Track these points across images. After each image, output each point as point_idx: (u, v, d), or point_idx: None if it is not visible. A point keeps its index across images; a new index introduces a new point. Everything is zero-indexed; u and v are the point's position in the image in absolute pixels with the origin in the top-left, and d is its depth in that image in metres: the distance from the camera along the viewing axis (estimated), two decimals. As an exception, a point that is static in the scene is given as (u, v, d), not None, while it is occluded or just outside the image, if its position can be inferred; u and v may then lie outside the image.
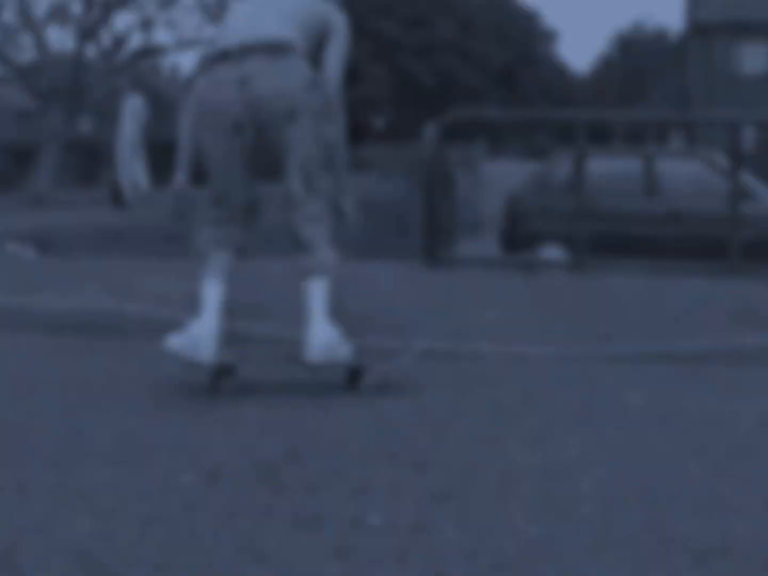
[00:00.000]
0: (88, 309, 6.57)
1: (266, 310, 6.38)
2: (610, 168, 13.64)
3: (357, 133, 57.63)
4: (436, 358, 5.35)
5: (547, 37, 75.62)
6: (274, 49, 4.54)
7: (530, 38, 67.41)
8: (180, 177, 4.95)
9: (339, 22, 4.86)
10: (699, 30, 47.43)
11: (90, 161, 33.92)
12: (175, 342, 4.48)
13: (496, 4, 65.77)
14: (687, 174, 13.47)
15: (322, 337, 4.45)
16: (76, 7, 43.61)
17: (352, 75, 60.41)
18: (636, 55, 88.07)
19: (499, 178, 27.70)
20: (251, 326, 5.86)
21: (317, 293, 4.52)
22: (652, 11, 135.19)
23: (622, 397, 4.65)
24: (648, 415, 4.34)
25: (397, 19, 59.13)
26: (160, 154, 24.13)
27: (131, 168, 17.30)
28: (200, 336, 4.47)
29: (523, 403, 4.51)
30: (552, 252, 12.72)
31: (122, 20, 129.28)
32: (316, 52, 4.79)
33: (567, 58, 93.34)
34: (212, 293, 4.58)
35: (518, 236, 13.18)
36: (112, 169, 18.39)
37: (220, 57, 4.56)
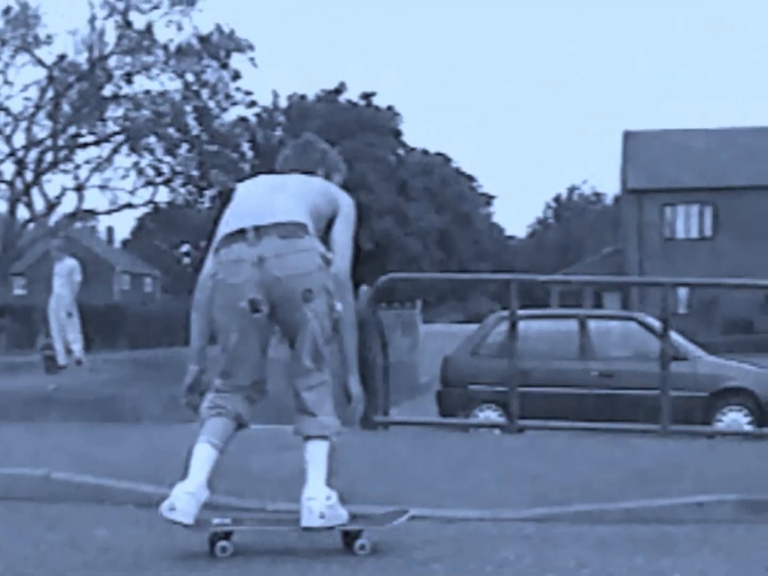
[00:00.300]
0: (14, 474, 6.52)
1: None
2: (545, 330, 13.88)
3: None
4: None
5: (484, 201, 77.20)
6: (289, 230, 4.72)
7: (467, 202, 68.73)
8: (192, 369, 5.02)
9: (345, 204, 5.10)
10: (633, 194, 48.75)
11: (23, 325, 33.83)
12: (164, 505, 4.55)
13: (434, 168, 67.21)
14: (621, 335, 13.73)
15: (320, 504, 4.60)
16: (8, 171, 44.07)
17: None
18: (571, 219, 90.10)
19: (438, 339, 27.91)
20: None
21: (317, 455, 4.70)
22: (588, 176, 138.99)
23: (552, 559, 4.71)
24: (579, 573, 4.40)
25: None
26: (93, 317, 24.14)
27: (64, 332, 17.25)
28: (179, 497, 4.53)
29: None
30: (488, 414, 12.83)
31: (55, 183, 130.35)
32: (325, 232, 5.00)
33: (503, 222, 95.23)
34: (200, 455, 4.67)
35: (454, 398, 13.27)
36: (46, 333, 18.31)
37: (236, 237, 4.72)
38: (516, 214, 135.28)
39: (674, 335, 13.15)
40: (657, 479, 6.66)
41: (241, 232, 4.72)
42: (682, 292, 46.11)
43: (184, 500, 4.53)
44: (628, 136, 51.48)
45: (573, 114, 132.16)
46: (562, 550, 4.91)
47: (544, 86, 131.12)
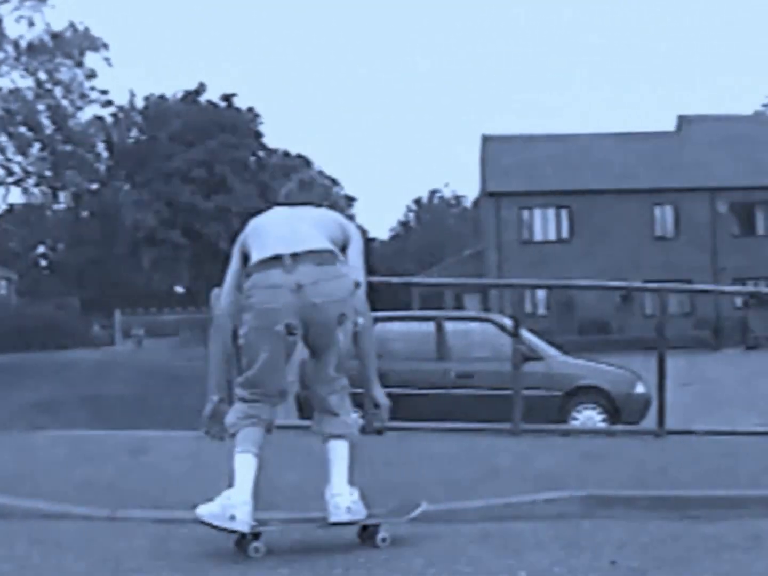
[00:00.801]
0: None
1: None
2: (403, 331, 13.95)
3: (158, 300, 57.29)
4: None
5: (346, 203, 77.36)
6: (323, 257, 5.08)
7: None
8: (213, 399, 5.23)
9: (354, 232, 5.46)
10: (491, 197, 49.39)
11: None
12: (206, 512, 4.83)
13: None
14: (477, 336, 13.88)
15: (345, 500, 5.05)
16: None
17: (151, 241, 59.76)
18: (433, 222, 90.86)
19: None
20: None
21: (340, 453, 5.16)
22: (449, 179, 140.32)
23: (400, 558, 4.75)
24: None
25: (194, 183, 59.65)
26: None
27: None
28: (235, 507, 4.82)
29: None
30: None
31: None
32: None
33: (365, 224, 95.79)
34: (244, 465, 4.96)
35: (307, 401, 13.22)
36: None
37: (272, 263, 5.04)
38: (378, 217, 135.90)
39: (529, 336, 13.38)
40: (509, 477, 6.77)
41: (276, 259, 5.04)
42: (541, 294, 46.92)
43: (243, 510, 4.84)
44: (486, 140, 52.13)
45: (433, 117, 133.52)
46: (411, 550, 4.96)
47: (406, 89, 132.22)
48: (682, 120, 54.85)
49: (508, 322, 13.09)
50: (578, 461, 7.69)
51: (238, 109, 66.40)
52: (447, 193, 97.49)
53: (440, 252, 78.36)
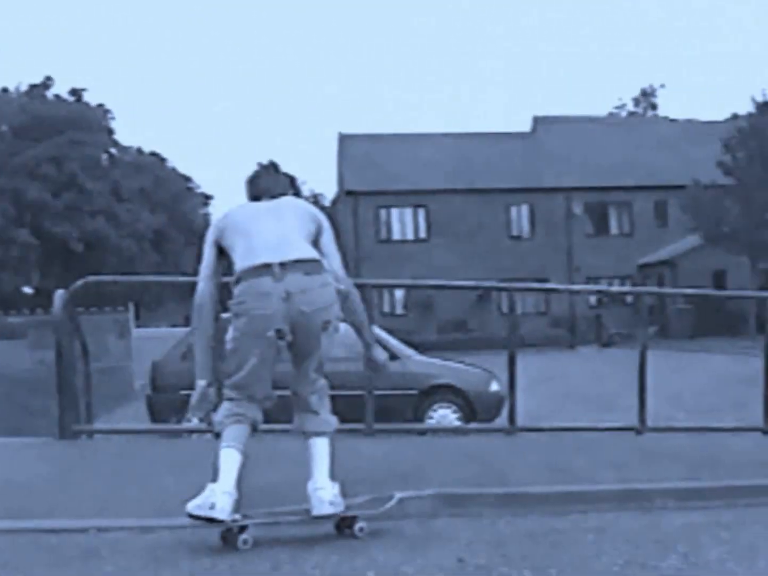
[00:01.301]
0: None
1: None
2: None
3: (5, 301, 55.90)
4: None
5: (202, 201, 76.58)
6: (310, 267, 5.37)
7: (184, 202, 67.99)
8: (200, 383, 5.47)
9: (324, 219, 5.73)
10: (349, 196, 49.52)
11: None
12: (192, 505, 5.12)
13: (148, 168, 66.14)
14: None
15: (328, 493, 5.39)
16: None
17: (-1, 240, 58.07)
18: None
19: (154, 343, 27.47)
20: None
21: (321, 449, 5.54)
22: (306, 177, 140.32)
23: (248, 563, 4.74)
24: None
25: (42, 180, 58.32)
26: None
27: None
28: (215, 496, 5.08)
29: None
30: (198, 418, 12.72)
31: None
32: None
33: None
34: (228, 460, 5.23)
35: (164, 403, 13.09)
36: None
37: (261, 271, 5.30)
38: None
39: (385, 335, 13.47)
40: (359, 478, 6.77)
41: (265, 266, 5.29)
42: (399, 293, 47.22)
43: (223, 499, 5.09)
44: (343, 139, 52.26)
45: (291, 115, 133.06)
46: (259, 554, 4.95)
47: (262, 86, 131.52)
48: (537, 121, 55.83)
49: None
50: (431, 460, 7.75)
51: (87, 105, 65.14)
52: (305, 191, 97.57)
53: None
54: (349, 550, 5.11)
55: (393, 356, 12.96)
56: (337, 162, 53.29)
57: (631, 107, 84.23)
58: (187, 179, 72.96)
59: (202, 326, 5.56)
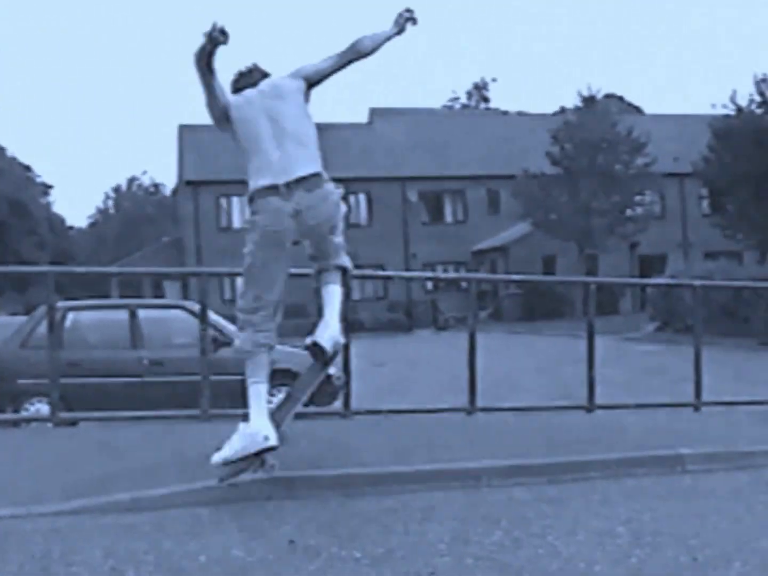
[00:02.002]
0: None
1: None
2: (97, 320, 13.62)
3: None
4: None
5: (42, 190, 74.83)
6: (312, 183, 5.93)
7: (23, 192, 66.23)
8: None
9: (302, 68, 6.25)
10: (189, 185, 49.02)
11: None
12: (230, 452, 5.67)
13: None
14: (170, 323, 13.72)
15: (334, 330, 6.26)
16: None
17: None
18: (131, 209, 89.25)
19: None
20: None
21: (334, 293, 6.40)
22: (147, 167, 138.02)
23: (79, 551, 4.61)
24: (105, 564, 4.34)
25: None
26: None
27: None
28: (261, 428, 5.72)
29: None
30: (39, 407, 12.40)
31: None
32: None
33: (62, 212, 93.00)
34: (259, 395, 5.89)
35: (2, 392, 12.71)
36: None
37: (270, 191, 5.86)
38: (76, 205, 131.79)
39: (222, 321, 13.33)
40: (196, 463, 6.67)
41: (273, 187, 5.82)
42: (240, 280, 46.86)
43: (272, 429, 5.75)
44: (183, 129, 51.69)
45: (131, 105, 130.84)
46: (91, 542, 4.83)
47: (102, 75, 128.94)
48: (374, 112, 56.16)
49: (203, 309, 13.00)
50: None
51: None
52: (146, 181, 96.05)
53: (139, 240, 77.08)
54: (183, 534, 5.02)
55: (230, 343, 12.86)
56: (178, 152, 52.69)
57: (464, 100, 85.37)
58: (27, 169, 71.24)
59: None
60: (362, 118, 57.06)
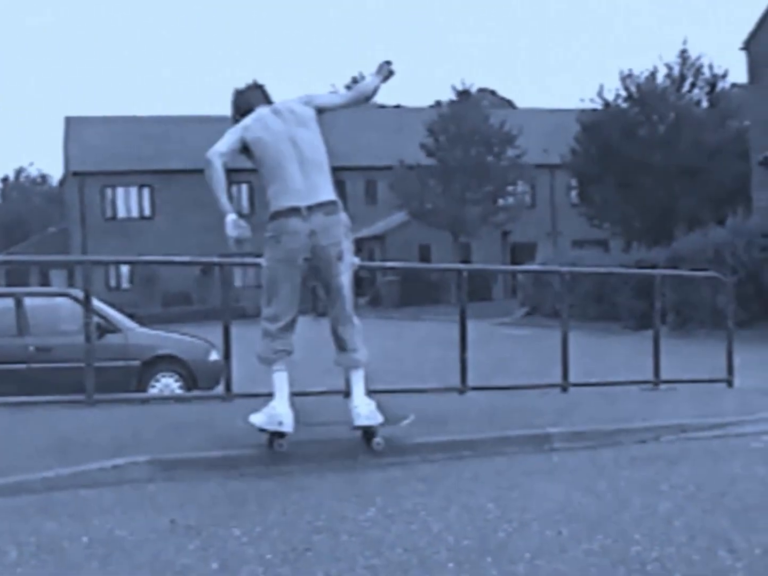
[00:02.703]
0: None
1: None
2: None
3: None
4: None
5: None
6: (329, 209, 6.32)
7: None
8: (233, 216, 6.37)
9: (314, 97, 6.85)
10: (75, 176, 48.19)
11: None
12: (258, 420, 6.28)
13: None
14: (56, 311, 13.48)
15: (365, 410, 6.31)
16: None
17: None
18: (19, 200, 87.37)
19: None
20: None
21: (357, 378, 6.49)
22: (34, 158, 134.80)
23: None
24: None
25: None
26: None
27: None
28: (281, 415, 6.21)
29: None
30: None
31: None
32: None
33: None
34: (282, 381, 6.38)
35: None
36: None
37: (291, 213, 6.23)
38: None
39: (107, 309, 13.15)
40: (78, 447, 6.57)
41: (295, 210, 6.21)
42: (125, 268, 46.28)
43: (289, 415, 6.24)
44: (69, 121, 50.81)
45: (17, 97, 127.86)
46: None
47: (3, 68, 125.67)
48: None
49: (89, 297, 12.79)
50: (151, 427, 7.58)
51: None
52: (33, 172, 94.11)
53: (27, 230, 75.55)
54: (67, 515, 4.93)
55: (115, 329, 12.71)
56: (64, 144, 51.73)
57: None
58: None
59: (214, 176, 6.44)
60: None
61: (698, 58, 40.23)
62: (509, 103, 71.77)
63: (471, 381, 10.15)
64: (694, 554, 3.96)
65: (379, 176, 49.18)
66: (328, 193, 6.39)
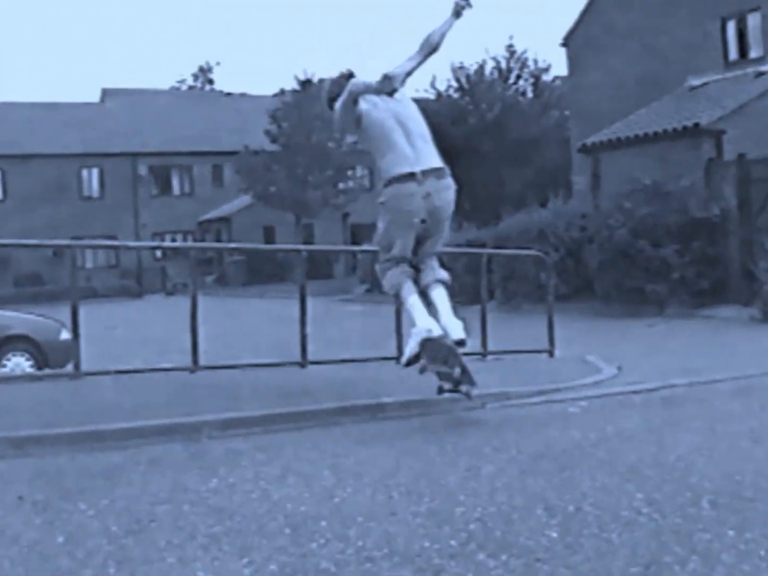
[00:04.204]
0: None
1: None
2: None
3: None
4: None
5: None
6: (440, 173, 6.71)
7: None
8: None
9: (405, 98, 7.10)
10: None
11: None
12: (408, 352, 6.70)
13: None
14: None
15: (458, 323, 6.60)
16: None
17: None
18: None
19: None
20: None
21: (443, 294, 6.84)
22: None
23: None
24: None
25: None
26: None
27: None
28: (425, 324, 6.51)
29: None
30: None
31: None
32: None
33: None
34: (418, 304, 6.67)
35: None
36: None
37: (408, 178, 6.55)
38: None
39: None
40: None
41: (411, 175, 6.54)
42: None
43: (433, 324, 6.52)
44: None
45: None
46: None
47: None
48: (106, 92, 54.70)
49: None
50: (1, 405, 7.38)
51: None
52: None
53: None
54: None
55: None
56: None
57: (191, 82, 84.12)
58: None
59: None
60: (95, 97, 55.37)
61: (524, 52, 41.05)
62: (349, 92, 71.77)
63: (312, 355, 10.17)
64: (513, 513, 4.07)
65: (226, 161, 48.74)
66: (436, 160, 6.74)
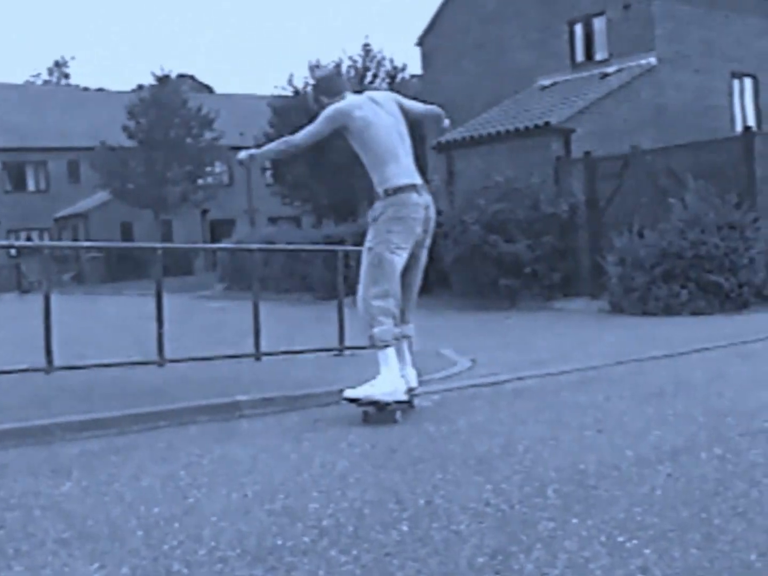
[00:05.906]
0: None
1: None
2: None
3: None
4: None
5: None
6: (428, 188, 6.82)
7: None
8: (254, 153, 6.82)
9: (406, 101, 7.20)
10: None
11: None
12: (391, 395, 6.42)
13: None
14: None
15: (414, 371, 6.89)
16: None
17: None
18: None
19: None
20: None
21: (410, 347, 6.94)
22: None
23: None
24: None
25: None
26: None
27: None
28: (399, 384, 6.49)
29: None
30: None
31: None
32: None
33: None
34: (394, 358, 6.51)
35: None
36: None
37: (410, 188, 6.60)
38: None
39: None
40: None
41: (412, 186, 6.60)
42: None
43: (401, 385, 6.50)
44: None
45: None
46: None
47: None
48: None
49: None
50: None
51: None
52: None
53: None
54: None
55: None
56: None
57: (45, 76, 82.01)
58: None
59: (283, 146, 6.76)
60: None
61: (380, 52, 41.35)
62: (208, 89, 71.05)
63: (171, 353, 10.04)
64: (365, 507, 4.10)
65: (82, 157, 47.68)
66: (420, 176, 6.81)
